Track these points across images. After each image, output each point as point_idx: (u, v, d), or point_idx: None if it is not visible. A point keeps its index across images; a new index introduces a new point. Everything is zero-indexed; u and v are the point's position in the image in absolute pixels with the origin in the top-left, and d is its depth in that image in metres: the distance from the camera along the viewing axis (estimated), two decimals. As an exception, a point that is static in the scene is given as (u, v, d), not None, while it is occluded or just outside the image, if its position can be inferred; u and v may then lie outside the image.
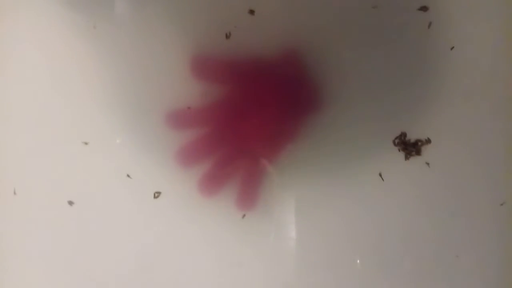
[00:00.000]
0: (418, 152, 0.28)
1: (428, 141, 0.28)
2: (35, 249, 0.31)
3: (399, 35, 0.28)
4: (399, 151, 0.28)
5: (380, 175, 0.29)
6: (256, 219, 0.30)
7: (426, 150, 0.29)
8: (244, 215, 0.30)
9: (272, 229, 0.30)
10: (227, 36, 0.29)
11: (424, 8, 0.28)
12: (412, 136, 0.28)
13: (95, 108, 0.30)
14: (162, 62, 0.29)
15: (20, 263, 0.31)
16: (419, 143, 0.28)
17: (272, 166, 0.30)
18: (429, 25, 0.28)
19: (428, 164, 0.29)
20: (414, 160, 0.29)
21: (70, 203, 0.30)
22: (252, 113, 0.30)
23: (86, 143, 0.30)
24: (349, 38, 0.29)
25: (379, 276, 0.30)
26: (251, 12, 0.28)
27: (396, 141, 0.28)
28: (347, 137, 0.29)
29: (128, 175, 0.30)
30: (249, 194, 0.30)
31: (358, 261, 0.30)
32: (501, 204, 0.29)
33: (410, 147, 0.28)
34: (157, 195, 0.30)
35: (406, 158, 0.28)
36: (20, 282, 0.31)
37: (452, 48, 0.28)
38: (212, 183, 0.30)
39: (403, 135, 0.28)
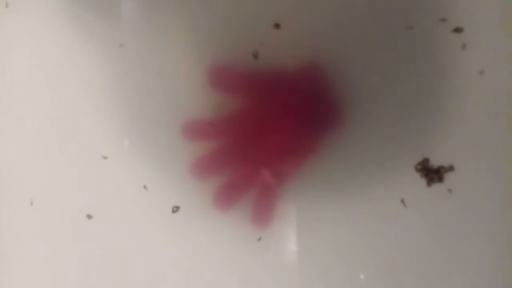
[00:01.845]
0: (441, 179, 0.28)
1: (451, 168, 0.28)
2: (50, 262, 0.31)
3: (431, 56, 0.28)
4: (421, 177, 0.28)
5: (402, 201, 0.28)
6: (270, 238, 0.30)
7: (448, 176, 0.28)
8: (260, 238, 0.30)
9: (286, 248, 0.30)
10: (255, 56, 0.28)
11: (458, 30, 0.27)
12: (434, 162, 0.28)
13: (110, 119, 0.30)
14: (178, 72, 0.29)
15: (33, 275, 0.31)
16: (442, 170, 0.28)
17: (289, 182, 0.29)
18: (463, 47, 0.27)
19: (450, 191, 0.28)
20: (436, 186, 0.28)
21: (89, 216, 0.30)
22: (270, 127, 0.30)
23: (105, 158, 0.30)
24: (376, 56, 0.28)
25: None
26: (277, 26, 0.28)
27: (418, 166, 0.28)
28: (366, 157, 0.29)
29: (145, 187, 0.30)
30: (264, 211, 0.30)
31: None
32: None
33: (432, 173, 0.28)
34: (175, 209, 0.30)
35: (428, 184, 0.28)
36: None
37: (481, 71, 0.27)
38: (227, 197, 0.30)
39: (425, 161, 0.28)
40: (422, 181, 0.28)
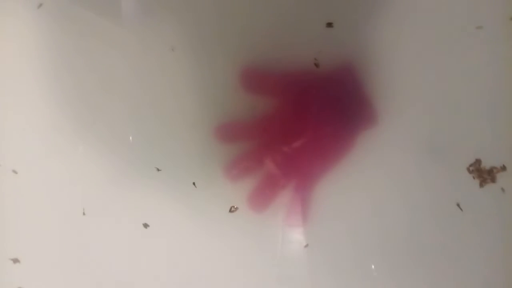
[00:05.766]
0: (493, 180, 0.28)
1: (503, 168, 0.28)
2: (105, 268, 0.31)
3: (490, 56, 0.28)
4: (474, 178, 0.28)
5: (458, 205, 0.28)
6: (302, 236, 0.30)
7: (501, 177, 0.28)
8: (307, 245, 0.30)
9: (324, 249, 0.30)
10: (317, 65, 0.29)
11: None
12: (486, 163, 0.28)
13: (151, 120, 0.30)
14: (211, 74, 0.29)
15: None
16: (494, 170, 0.28)
17: (324, 183, 0.30)
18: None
19: (503, 190, 0.28)
20: (489, 187, 0.28)
21: (145, 225, 0.30)
22: (304, 127, 0.30)
23: (158, 170, 0.30)
24: (419, 54, 0.28)
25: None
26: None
27: (471, 168, 0.28)
28: (408, 159, 0.29)
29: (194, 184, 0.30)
30: (298, 211, 0.30)
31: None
32: None
33: (485, 174, 0.28)
34: (233, 209, 0.30)
35: (481, 185, 0.28)
36: None
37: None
38: (260, 198, 0.30)
39: (477, 162, 0.28)
40: (475, 183, 0.28)
